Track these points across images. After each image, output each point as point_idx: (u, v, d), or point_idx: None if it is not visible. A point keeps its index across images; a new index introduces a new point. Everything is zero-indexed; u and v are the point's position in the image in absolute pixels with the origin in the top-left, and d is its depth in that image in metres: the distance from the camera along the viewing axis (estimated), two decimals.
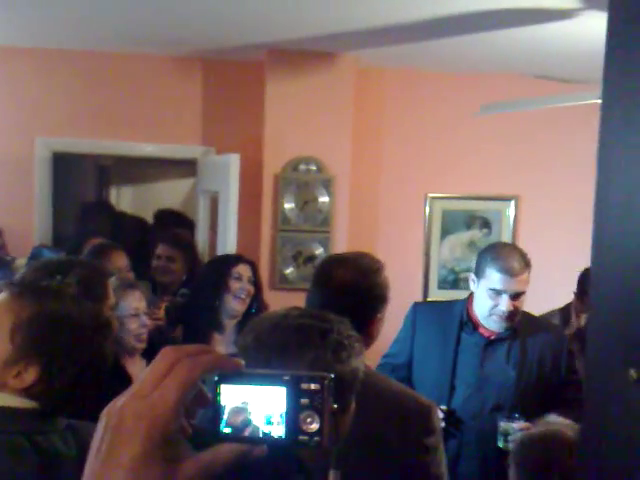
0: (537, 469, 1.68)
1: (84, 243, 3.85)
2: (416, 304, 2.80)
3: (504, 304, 2.49)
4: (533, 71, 3.68)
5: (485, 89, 4.36)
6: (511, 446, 2.33)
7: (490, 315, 2.55)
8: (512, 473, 1.72)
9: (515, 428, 2.38)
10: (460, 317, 2.65)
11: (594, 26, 3.11)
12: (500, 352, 2.61)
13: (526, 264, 2.50)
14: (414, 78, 4.49)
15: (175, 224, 4.98)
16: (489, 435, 2.49)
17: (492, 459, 2.51)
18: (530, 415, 2.42)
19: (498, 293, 2.50)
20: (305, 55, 4.09)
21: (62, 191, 4.86)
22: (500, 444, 2.41)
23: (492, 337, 2.61)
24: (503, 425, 2.42)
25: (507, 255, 2.52)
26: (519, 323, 2.62)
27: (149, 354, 2.67)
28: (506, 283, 2.48)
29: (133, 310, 2.57)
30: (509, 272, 2.47)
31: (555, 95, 3.34)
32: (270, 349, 1.28)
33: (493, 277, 2.51)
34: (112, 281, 2.55)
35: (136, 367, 2.62)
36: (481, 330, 2.63)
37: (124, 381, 2.42)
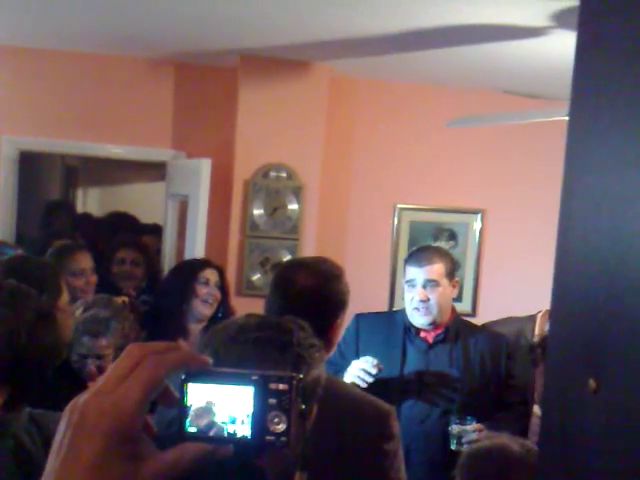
0: None
1: (48, 244, 3.79)
2: (358, 315, 2.82)
3: (417, 292, 2.66)
4: (503, 86, 3.73)
5: (455, 102, 4.41)
6: (465, 447, 2.37)
7: (412, 310, 2.68)
8: None
9: (468, 430, 2.42)
10: (403, 325, 2.73)
11: (564, 45, 3.17)
12: (443, 356, 2.69)
13: (439, 257, 2.71)
14: (386, 89, 4.53)
15: (129, 228, 4.94)
16: (437, 440, 2.53)
17: (440, 464, 2.54)
18: (476, 416, 2.47)
19: (412, 285, 2.69)
20: (279, 63, 4.10)
21: (27, 190, 4.79)
22: (453, 447, 2.44)
23: (432, 341, 2.70)
24: (456, 428, 2.45)
25: (417, 251, 2.79)
26: (459, 326, 2.74)
27: None
28: (415, 273, 2.69)
29: (80, 356, 2.50)
30: (417, 263, 2.69)
31: (523, 111, 3.39)
32: (228, 366, 1.25)
33: (407, 272, 2.73)
34: (80, 317, 2.48)
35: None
36: (422, 335, 2.72)
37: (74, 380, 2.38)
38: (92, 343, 2.51)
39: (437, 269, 2.67)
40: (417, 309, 2.66)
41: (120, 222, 5.09)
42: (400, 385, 2.64)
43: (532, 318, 3.26)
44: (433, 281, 2.65)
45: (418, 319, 2.68)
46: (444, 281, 2.68)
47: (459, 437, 2.43)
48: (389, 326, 2.75)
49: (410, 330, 2.72)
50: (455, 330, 2.71)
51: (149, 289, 3.72)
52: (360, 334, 2.74)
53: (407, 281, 2.72)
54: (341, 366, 2.63)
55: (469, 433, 2.42)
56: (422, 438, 2.59)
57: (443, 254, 2.76)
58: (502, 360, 2.69)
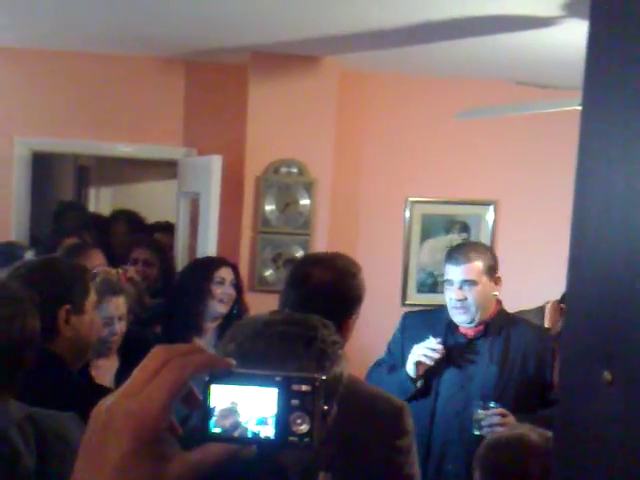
0: (500, 473, 1.69)
1: (60, 243, 3.81)
2: (405, 315, 2.88)
3: (453, 292, 2.64)
4: (514, 77, 3.71)
5: (466, 94, 4.39)
6: (485, 431, 2.37)
7: (451, 308, 2.67)
8: (476, 475, 1.73)
9: (489, 413, 2.41)
10: (446, 320, 2.72)
11: (575, 34, 3.15)
12: (483, 350, 2.67)
13: (477, 254, 2.65)
14: (396, 82, 4.52)
15: (134, 225, 4.94)
16: (473, 432, 2.52)
17: None
18: (513, 411, 2.46)
19: (450, 283, 2.66)
20: (288, 58, 4.10)
21: (40, 191, 4.82)
22: (476, 431, 2.43)
23: (472, 336, 2.68)
24: (479, 412, 2.45)
25: (456, 249, 2.73)
26: (502, 321, 2.70)
27: (125, 352, 2.66)
28: (452, 272, 2.65)
29: (107, 319, 2.55)
30: (453, 262, 2.65)
31: (536, 102, 3.37)
32: (252, 359, 1.25)
33: (446, 270, 2.70)
34: (96, 282, 2.53)
35: (109, 363, 2.62)
36: (463, 330, 2.70)
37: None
38: (115, 301, 2.60)
39: (475, 267, 2.61)
40: (456, 308, 2.65)
41: (123, 220, 5.06)
42: (438, 379, 2.64)
43: (541, 309, 3.24)
44: (470, 280, 2.61)
45: (457, 317, 2.67)
46: (483, 279, 2.62)
47: (480, 421, 2.43)
48: (433, 323, 2.74)
49: (451, 325, 2.71)
50: (498, 325, 2.67)
51: (163, 291, 3.67)
52: (406, 332, 2.76)
53: (445, 280, 2.69)
54: (392, 364, 2.69)
55: (490, 417, 2.41)
56: (458, 431, 2.59)
57: (482, 251, 2.68)
58: (548, 358, 2.63)
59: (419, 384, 2.59)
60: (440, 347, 2.54)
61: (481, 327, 2.68)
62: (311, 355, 1.27)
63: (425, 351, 2.53)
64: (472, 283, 2.61)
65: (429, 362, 2.53)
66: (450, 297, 2.66)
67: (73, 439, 1.29)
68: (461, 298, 2.62)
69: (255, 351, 1.26)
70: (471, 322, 2.66)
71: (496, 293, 2.71)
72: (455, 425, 2.60)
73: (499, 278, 2.70)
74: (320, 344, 1.30)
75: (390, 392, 2.55)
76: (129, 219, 5.08)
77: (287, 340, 1.28)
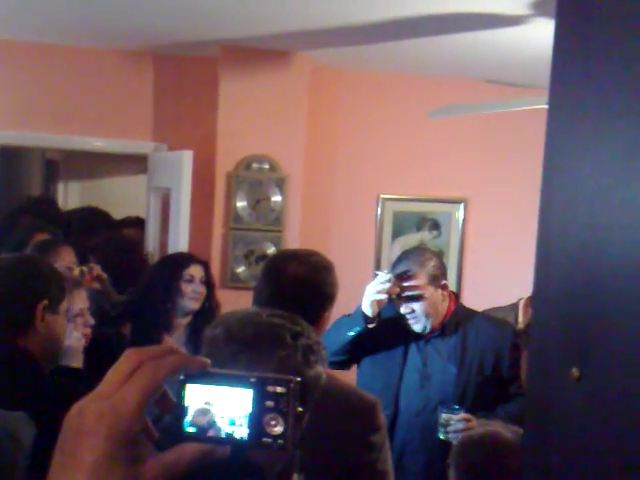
0: (476, 471, 1.70)
1: (29, 239, 3.75)
2: None
3: (401, 306, 2.65)
4: (484, 75, 3.74)
5: (437, 92, 4.41)
6: (451, 437, 2.40)
7: (405, 316, 2.68)
8: (452, 474, 1.75)
9: (455, 419, 2.44)
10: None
11: (544, 33, 3.18)
12: (442, 349, 2.69)
13: (419, 267, 2.64)
14: (368, 79, 4.52)
15: (103, 224, 4.87)
16: (432, 430, 2.54)
17: (436, 453, 2.56)
18: (472, 409, 2.48)
19: (398, 297, 2.67)
20: (260, 53, 4.08)
21: (7, 186, 4.74)
22: (441, 435, 2.46)
23: (429, 336, 2.70)
24: (444, 416, 2.47)
25: (398, 263, 2.71)
26: (459, 318, 2.72)
27: (89, 353, 2.61)
28: (396, 288, 2.65)
29: (79, 310, 2.51)
30: (397, 277, 2.65)
31: (504, 100, 3.40)
32: (240, 342, 1.26)
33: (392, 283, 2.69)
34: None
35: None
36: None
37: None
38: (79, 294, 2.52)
39: (417, 282, 2.63)
40: (408, 318, 2.66)
41: (93, 218, 4.98)
42: (399, 378, 2.66)
43: (514, 306, 3.27)
44: (414, 296, 2.63)
45: (413, 326, 2.69)
46: (428, 290, 2.63)
47: (446, 425, 2.45)
48: (401, 315, 2.73)
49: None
50: (455, 323, 2.69)
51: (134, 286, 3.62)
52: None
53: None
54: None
55: (455, 422, 2.44)
56: (418, 430, 2.62)
57: (424, 261, 2.66)
58: (506, 352, 2.64)
59: (371, 325, 2.61)
60: (390, 276, 2.58)
61: (438, 326, 2.70)
62: (298, 347, 1.28)
63: (377, 287, 2.56)
64: (417, 297, 2.63)
65: (384, 297, 2.56)
66: (400, 308, 2.68)
67: (23, 438, 1.28)
68: (409, 312, 2.65)
69: (244, 336, 1.26)
70: (424, 330, 2.68)
71: (444, 298, 2.70)
72: (416, 423, 2.63)
73: (445, 285, 2.70)
74: (306, 339, 1.31)
75: (341, 328, 2.60)
76: (85, 215, 4.98)
77: (276, 329, 1.29)
